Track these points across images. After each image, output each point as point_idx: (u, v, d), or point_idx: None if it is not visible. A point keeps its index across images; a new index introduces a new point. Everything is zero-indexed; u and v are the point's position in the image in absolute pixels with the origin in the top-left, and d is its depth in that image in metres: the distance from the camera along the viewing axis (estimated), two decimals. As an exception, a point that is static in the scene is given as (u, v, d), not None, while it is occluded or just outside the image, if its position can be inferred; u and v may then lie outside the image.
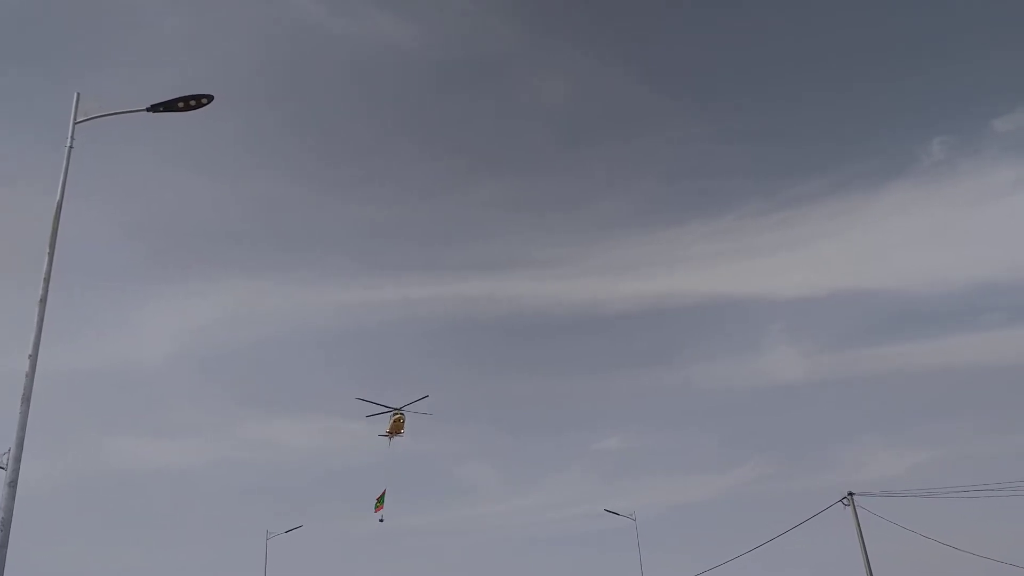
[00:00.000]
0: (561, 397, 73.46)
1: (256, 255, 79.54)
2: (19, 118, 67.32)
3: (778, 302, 70.44)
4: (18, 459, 11.66)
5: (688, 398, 69.08)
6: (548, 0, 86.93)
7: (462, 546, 60.88)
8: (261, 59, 79.94)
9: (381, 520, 42.62)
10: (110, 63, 71.90)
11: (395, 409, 42.98)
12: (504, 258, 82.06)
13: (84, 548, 50.24)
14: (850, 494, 30.46)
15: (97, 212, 64.03)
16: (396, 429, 43.03)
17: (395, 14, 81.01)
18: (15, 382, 12.10)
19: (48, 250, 13.14)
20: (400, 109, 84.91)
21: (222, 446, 65.72)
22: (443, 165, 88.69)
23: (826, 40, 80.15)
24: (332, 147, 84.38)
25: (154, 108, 14.65)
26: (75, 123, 14.14)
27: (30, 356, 12.26)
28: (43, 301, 12.76)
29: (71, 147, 14.02)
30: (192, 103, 14.71)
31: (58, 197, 13.60)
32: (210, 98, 14.72)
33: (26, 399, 11.99)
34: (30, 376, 12.13)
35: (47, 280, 12.90)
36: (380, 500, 42.84)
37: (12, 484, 11.48)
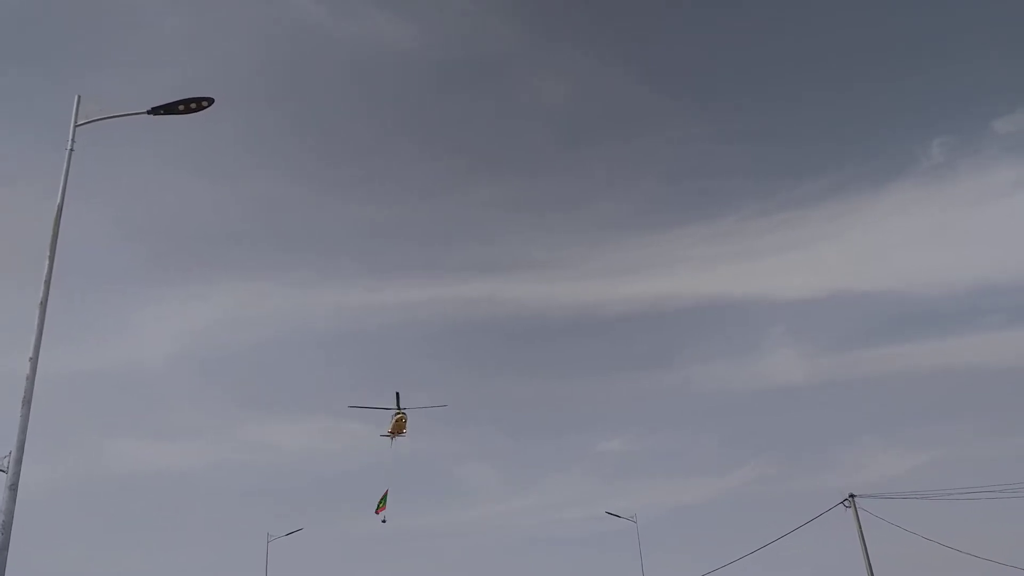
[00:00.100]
0: (561, 399, 73.54)
1: (256, 257, 79.67)
2: (19, 119, 67.41)
3: (778, 303, 70.46)
4: (19, 462, 11.66)
5: (688, 399, 69.12)
6: (548, 0, 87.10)
7: (462, 548, 60.96)
8: (261, 59, 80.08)
9: (384, 521, 42.48)
10: (110, 63, 72.02)
11: (397, 409, 42.75)
12: (504, 259, 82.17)
13: (85, 551, 50.23)
14: (851, 496, 30.45)
15: (98, 214, 64.11)
16: (398, 429, 42.72)
17: (395, 14, 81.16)
18: (16, 385, 12.13)
19: (49, 253, 13.15)
20: (400, 109, 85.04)
21: (222, 448, 65.73)
22: (443, 165, 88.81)
23: (826, 40, 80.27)
24: (332, 147, 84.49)
25: (155, 111, 14.66)
26: (76, 126, 14.15)
27: (31, 359, 12.26)
28: (44, 304, 12.76)
29: (72, 150, 14.03)
30: (193, 106, 14.72)
31: (59, 200, 13.60)
32: (210, 101, 14.72)
33: (27, 402, 11.99)
34: (31, 379, 12.13)
35: (48, 283, 12.90)
36: (382, 501, 42.68)
37: (13, 487, 11.47)
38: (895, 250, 68.25)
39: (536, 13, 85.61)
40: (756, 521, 56.11)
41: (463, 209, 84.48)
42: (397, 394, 42.62)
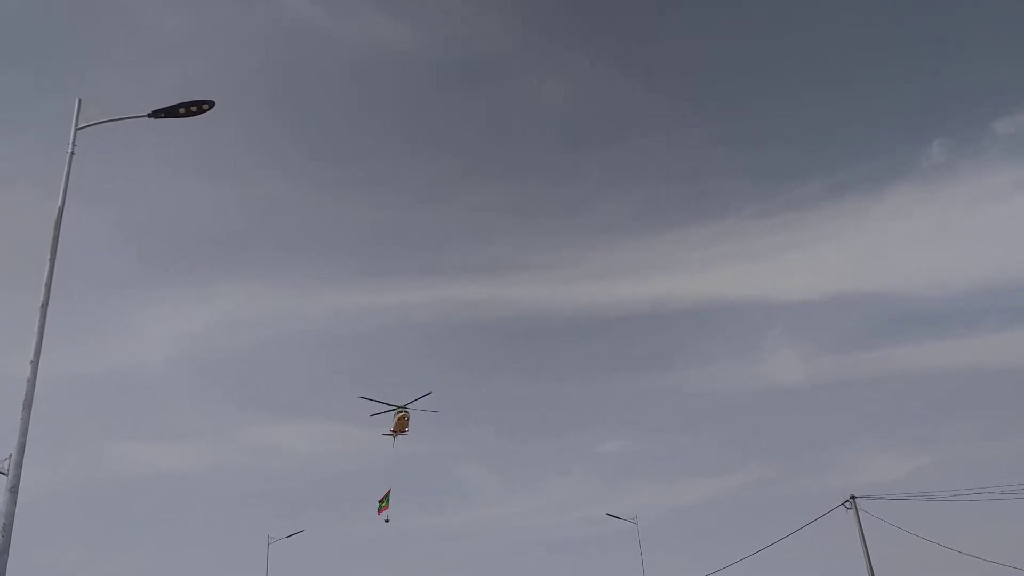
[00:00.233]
0: (561, 400, 73.52)
1: (256, 258, 79.67)
2: (19, 120, 67.43)
3: (778, 305, 70.45)
4: (19, 464, 11.65)
5: (688, 400, 69.18)
6: (547, 2, 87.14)
7: (462, 549, 60.86)
8: (260, 60, 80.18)
9: (387, 520, 42.28)
10: (110, 64, 72.09)
11: (399, 407, 42.61)
12: (504, 260, 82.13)
13: (85, 553, 50.20)
14: (852, 497, 30.43)
15: (98, 217, 64.21)
16: (400, 428, 42.55)
17: (394, 16, 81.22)
18: (16, 387, 12.13)
19: (49, 256, 13.15)
20: (399, 110, 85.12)
21: (223, 450, 65.73)
22: (442, 166, 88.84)
23: (826, 41, 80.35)
24: (332, 149, 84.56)
25: (155, 114, 14.67)
26: (76, 129, 14.16)
27: (31, 361, 12.26)
28: (44, 306, 12.76)
29: (72, 153, 14.04)
30: (193, 109, 14.72)
31: (59, 203, 13.61)
32: (211, 104, 14.71)
33: (27, 404, 11.99)
34: (31, 381, 12.13)
35: (48, 285, 12.90)
36: (385, 500, 42.46)
37: (13, 490, 11.47)
38: (895, 251, 68.36)
39: (536, 14, 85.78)
40: (756, 522, 56.19)
41: (462, 210, 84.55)
42: (429, 393, 42.71)
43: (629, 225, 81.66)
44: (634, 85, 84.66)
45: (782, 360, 67.76)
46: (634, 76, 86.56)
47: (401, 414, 42.29)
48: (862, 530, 30.07)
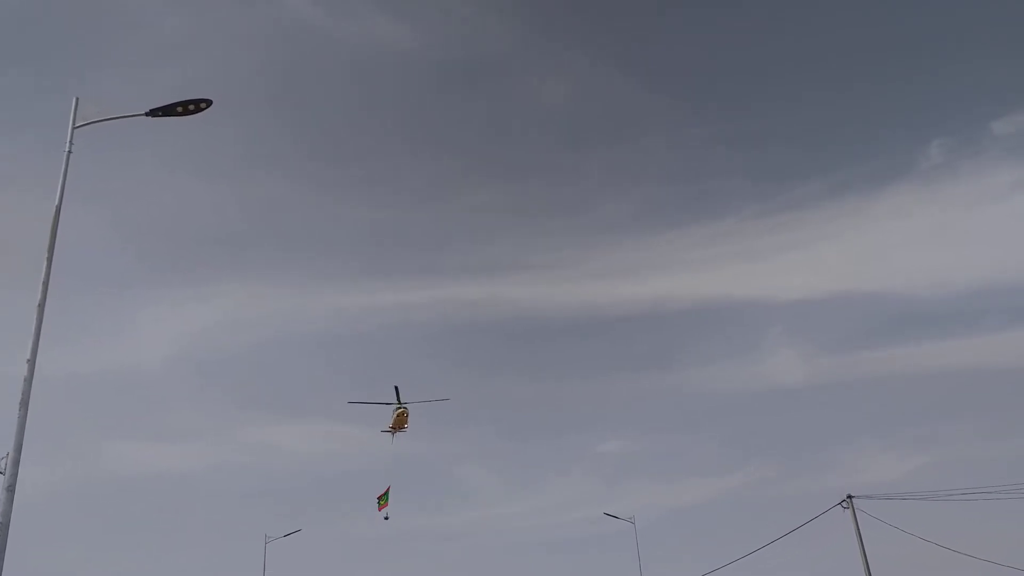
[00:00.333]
0: (561, 400, 73.51)
1: (255, 258, 79.62)
2: (18, 120, 67.41)
3: (778, 305, 70.45)
4: (16, 463, 11.67)
5: (688, 400, 69.18)
6: (547, 2, 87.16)
7: (462, 549, 60.86)
8: (260, 60, 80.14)
9: (386, 518, 42.01)
10: (110, 63, 72.03)
11: (398, 404, 42.42)
12: (504, 260, 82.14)
13: (84, 552, 50.17)
14: (849, 497, 30.48)
15: (96, 216, 64.09)
16: (399, 424, 42.24)
17: (394, 15, 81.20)
18: (13, 387, 12.14)
19: (47, 254, 13.16)
20: (399, 110, 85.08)
21: (222, 450, 65.70)
22: (442, 166, 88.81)
23: (825, 41, 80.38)
24: (331, 148, 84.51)
25: (153, 113, 14.69)
26: (74, 128, 14.17)
27: (28, 360, 12.27)
28: (41, 305, 12.78)
29: (70, 151, 14.06)
30: (191, 107, 14.74)
31: (57, 201, 13.62)
32: (209, 103, 14.74)
33: (24, 403, 12.00)
34: (28, 380, 12.15)
35: (46, 284, 12.92)
36: (384, 498, 42.21)
37: (10, 488, 11.48)
38: (895, 251, 68.41)
39: (536, 14, 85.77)
40: (756, 522, 56.24)
41: (462, 210, 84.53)
42: (396, 388, 41.97)
43: (629, 225, 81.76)
44: (634, 85, 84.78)
45: (782, 360, 67.85)
46: (634, 76, 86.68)
47: (400, 411, 42.06)
48: (859, 530, 30.13)
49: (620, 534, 50.52)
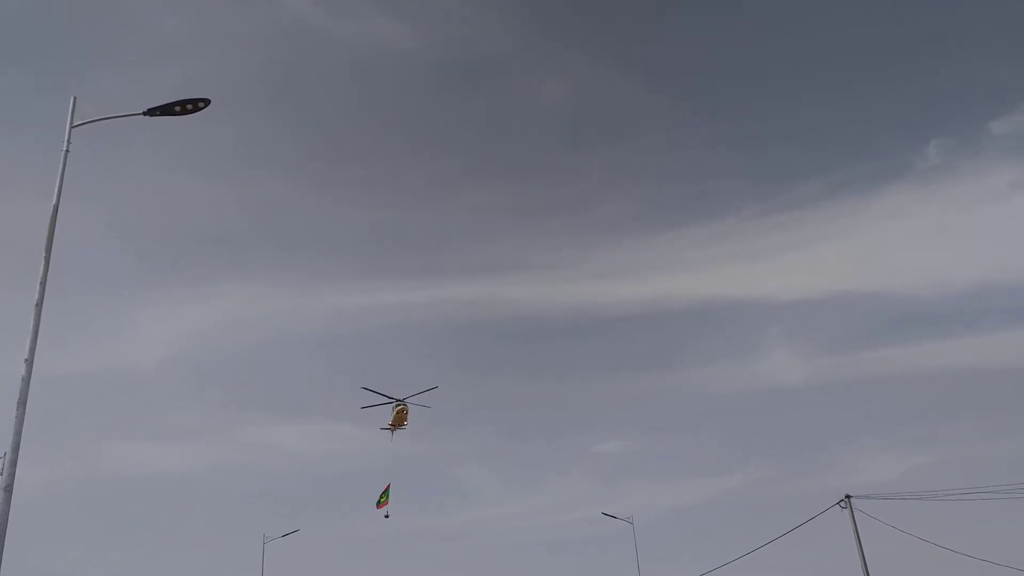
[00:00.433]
0: (560, 400, 73.51)
1: (254, 258, 79.63)
2: (18, 119, 67.40)
3: (777, 305, 70.50)
4: (14, 463, 11.65)
5: (687, 400, 69.20)
6: (547, 2, 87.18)
7: (461, 549, 60.89)
8: (260, 60, 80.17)
9: (386, 516, 41.89)
10: (110, 63, 72.06)
11: (398, 400, 42.34)
12: (503, 260, 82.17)
13: (83, 552, 50.18)
14: (847, 496, 30.50)
15: (94, 216, 64.14)
16: (399, 421, 42.11)
17: (394, 15, 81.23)
18: (11, 386, 12.13)
19: (44, 254, 13.15)
20: (399, 110, 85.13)
21: (221, 450, 65.72)
22: (442, 166, 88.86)
23: (824, 42, 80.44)
24: (331, 148, 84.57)
25: (151, 112, 14.68)
26: (71, 127, 14.17)
27: (26, 360, 12.26)
28: (39, 305, 12.77)
29: (67, 151, 14.05)
30: (189, 107, 14.73)
31: (54, 201, 13.62)
32: (207, 102, 14.73)
33: (22, 403, 11.99)
34: (26, 380, 12.14)
35: (43, 284, 12.91)
36: (384, 495, 41.99)
37: (8, 488, 11.47)
38: (894, 251, 68.44)
39: (536, 14, 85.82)
40: (756, 522, 56.26)
41: (462, 210, 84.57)
42: (435, 387, 42.30)
43: (629, 225, 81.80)
44: (634, 85, 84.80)
45: (782, 360, 67.88)
46: (634, 76, 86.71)
47: (400, 408, 41.96)
48: (857, 529, 30.13)
49: (619, 534, 50.56)
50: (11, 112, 68.64)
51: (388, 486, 42.20)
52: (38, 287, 12.87)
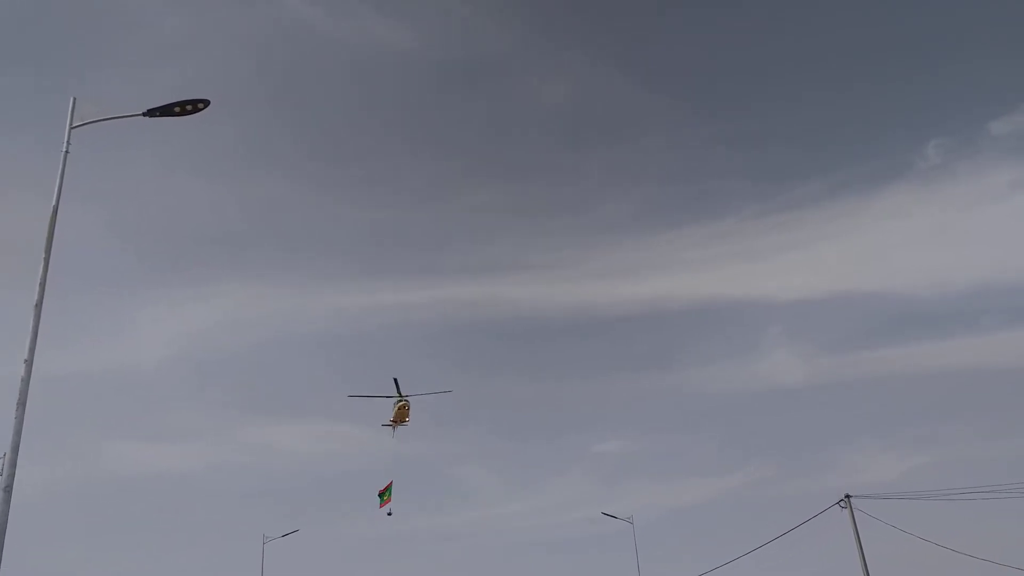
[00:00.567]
0: (560, 400, 73.49)
1: (254, 258, 79.60)
2: (17, 120, 67.39)
3: (777, 304, 70.46)
4: (13, 463, 11.67)
5: (687, 400, 69.17)
6: (547, 2, 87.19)
7: (461, 549, 60.86)
8: (260, 60, 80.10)
9: (389, 513, 41.26)
10: (110, 63, 72.02)
11: (399, 397, 42.03)
12: (503, 260, 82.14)
13: (83, 552, 50.17)
14: (847, 496, 30.53)
15: (93, 216, 64.04)
16: (400, 418, 41.45)
17: (394, 16, 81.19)
18: (11, 387, 12.15)
19: (44, 254, 13.18)
20: (399, 110, 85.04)
21: (221, 450, 65.68)
22: (442, 166, 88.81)
23: (824, 42, 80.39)
24: (331, 149, 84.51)
25: (151, 113, 14.71)
26: (71, 128, 14.20)
27: (26, 360, 12.29)
28: (39, 305, 12.79)
29: (67, 151, 14.08)
30: (189, 108, 14.76)
31: (54, 201, 13.65)
32: (207, 103, 14.76)
33: (21, 403, 12.02)
34: (26, 380, 12.17)
35: (43, 284, 12.94)
36: (386, 493, 41.44)
37: (8, 488, 11.49)
38: (894, 251, 68.41)
39: (536, 14, 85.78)
40: (756, 522, 56.26)
41: (462, 210, 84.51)
42: (396, 381, 41.28)
43: (629, 225, 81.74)
44: (634, 85, 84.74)
45: (782, 360, 67.85)
46: (634, 76, 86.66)
47: (401, 404, 41.60)
48: (857, 529, 30.16)
49: (619, 534, 50.51)
50: (11, 112, 68.66)
51: (391, 483, 41.63)
52: (38, 287, 12.89)
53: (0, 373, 14.46)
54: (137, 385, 68.40)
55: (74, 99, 14.41)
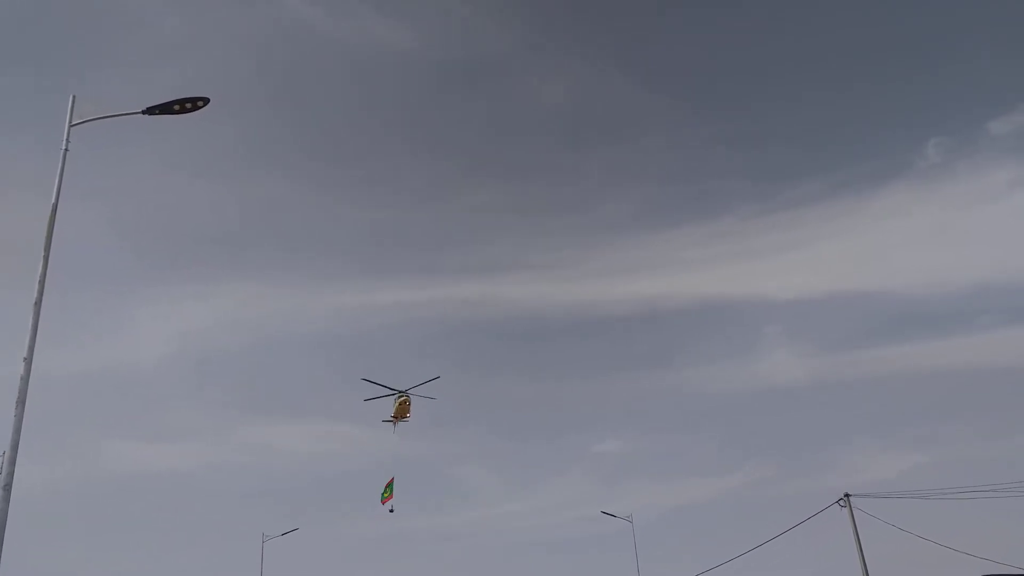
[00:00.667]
0: (560, 400, 73.53)
1: (253, 258, 79.62)
2: (17, 119, 67.38)
3: (776, 304, 70.52)
4: (13, 462, 11.65)
5: (687, 400, 69.20)
6: (547, 2, 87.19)
7: (461, 549, 60.90)
8: (260, 60, 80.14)
9: (391, 510, 41.01)
10: (110, 63, 72.04)
11: (400, 392, 41.89)
12: (503, 260, 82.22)
13: (83, 551, 50.16)
14: (846, 495, 30.55)
15: (93, 214, 64.02)
16: (401, 413, 41.16)
17: (393, 16, 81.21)
18: (10, 385, 12.14)
19: (43, 253, 13.16)
20: (399, 111, 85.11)
21: (220, 450, 65.68)
22: (442, 166, 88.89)
23: (823, 42, 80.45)
24: (330, 149, 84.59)
25: (150, 111, 14.68)
26: (71, 126, 14.18)
27: (25, 359, 12.26)
28: (38, 304, 12.77)
29: (66, 150, 14.06)
30: (188, 106, 14.73)
31: (53, 199, 13.63)
32: (206, 101, 14.74)
33: (21, 402, 11.99)
34: (25, 379, 12.14)
35: (42, 283, 12.92)
36: (388, 490, 40.90)
37: (7, 487, 11.47)
38: (893, 250, 68.44)
39: (535, 14, 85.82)
40: (754, 522, 56.26)
41: (462, 210, 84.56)
42: (437, 377, 41.23)
43: (629, 225, 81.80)
44: (634, 85, 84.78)
45: (781, 359, 67.88)
46: (634, 76, 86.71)
47: (402, 399, 41.40)
48: (856, 528, 30.17)
49: (619, 534, 50.50)
50: (11, 112, 68.70)
51: (392, 480, 41.22)
52: (37, 285, 12.87)
53: (0, 372, 14.46)
54: (136, 384, 68.48)
55: (73, 97, 14.41)
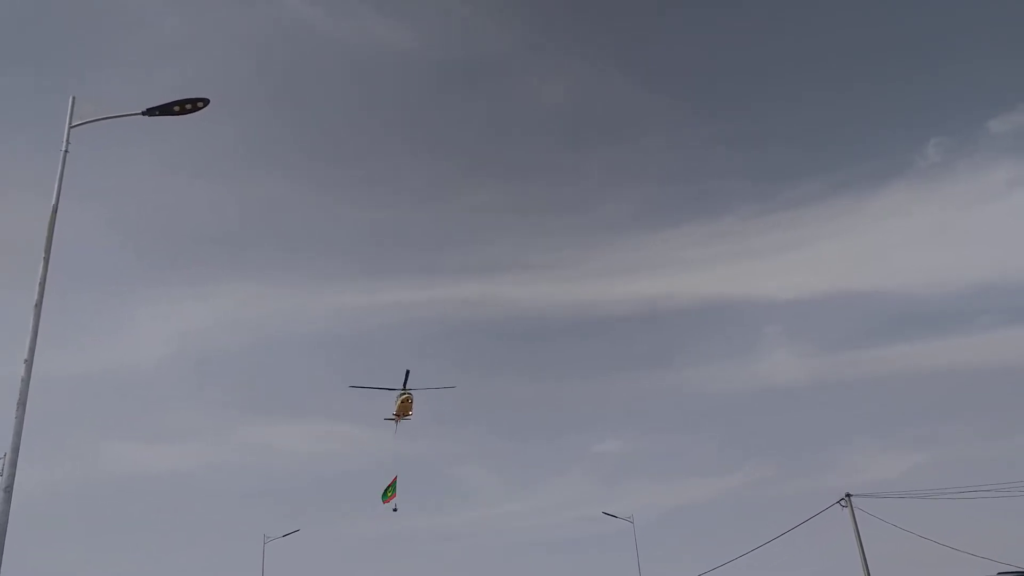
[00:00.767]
0: (560, 400, 73.53)
1: (253, 258, 79.60)
2: (17, 119, 67.32)
3: (776, 304, 70.53)
4: (14, 464, 11.65)
5: (687, 400, 69.20)
6: (547, 2, 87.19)
7: (461, 549, 60.87)
8: (260, 60, 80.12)
9: (395, 509, 40.56)
10: (110, 63, 72.01)
11: (403, 390, 41.63)
12: (503, 260, 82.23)
13: (83, 553, 50.13)
14: (847, 495, 30.55)
15: (93, 215, 63.98)
16: (404, 411, 41.10)
17: (394, 16, 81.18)
18: (11, 387, 12.12)
19: (44, 254, 13.15)
20: (399, 111, 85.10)
21: (220, 450, 65.66)
22: (442, 166, 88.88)
23: (823, 41, 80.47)
24: (331, 149, 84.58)
25: (150, 112, 14.67)
26: (71, 127, 14.17)
27: (25, 360, 12.26)
28: (38, 305, 12.76)
29: (66, 151, 14.05)
30: (188, 107, 14.73)
31: (54, 200, 13.62)
32: (206, 102, 14.73)
33: (22, 403, 11.98)
34: (25, 380, 12.13)
35: (42, 284, 12.91)
36: (391, 489, 40.83)
37: (8, 489, 11.46)
38: (893, 250, 68.43)
39: (535, 14, 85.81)
40: (755, 522, 56.25)
41: (462, 210, 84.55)
42: (407, 372, 41.02)
43: (629, 225, 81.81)
44: (634, 85, 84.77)
45: (781, 359, 67.89)
46: (634, 76, 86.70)
47: (405, 396, 41.17)
48: (857, 528, 30.17)
49: (619, 534, 50.52)
50: (11, 112, 68.64)
51: (395, 479, 41.07)
52: (37, 287, 12.86)
53: (0, 373, 14.44)
54: (136, 385, 68.44)
55: (73, 98, 14.40)
